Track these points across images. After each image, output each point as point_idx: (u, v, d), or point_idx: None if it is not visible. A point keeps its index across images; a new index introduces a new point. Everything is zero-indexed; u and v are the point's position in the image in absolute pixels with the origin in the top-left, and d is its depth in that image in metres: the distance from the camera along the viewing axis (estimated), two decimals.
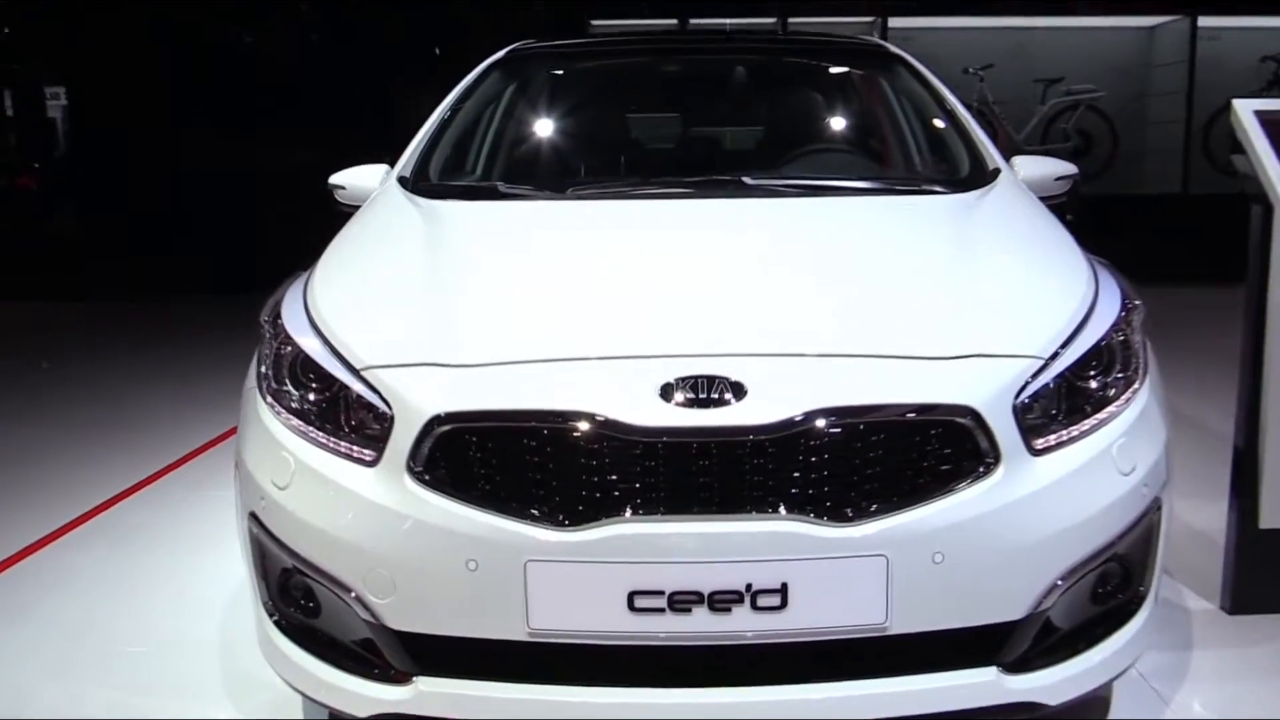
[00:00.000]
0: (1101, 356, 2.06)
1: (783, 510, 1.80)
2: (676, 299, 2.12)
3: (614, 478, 1.81)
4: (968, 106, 3.57)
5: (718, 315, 2.05)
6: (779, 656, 1.85)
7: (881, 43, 3.83)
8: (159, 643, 2.77)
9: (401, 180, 2.96)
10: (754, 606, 1.79)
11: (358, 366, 1.99)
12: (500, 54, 3.64)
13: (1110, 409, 2.03)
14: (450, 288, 2.22)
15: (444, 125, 3.26)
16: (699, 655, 1.85)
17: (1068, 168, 3.10)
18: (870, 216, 2.63)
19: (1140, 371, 2.12)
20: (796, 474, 1.81)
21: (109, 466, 4.27)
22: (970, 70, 9.99)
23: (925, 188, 2.89)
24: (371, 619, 1.92)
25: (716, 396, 1.83)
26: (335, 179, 3.14)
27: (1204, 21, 10.04)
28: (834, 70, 3.75)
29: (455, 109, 3.35)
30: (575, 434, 1.82)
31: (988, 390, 1.88)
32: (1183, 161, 10.21)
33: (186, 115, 9.86)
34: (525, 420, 1.84)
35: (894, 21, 9.94)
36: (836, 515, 1.80)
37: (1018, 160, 3.07)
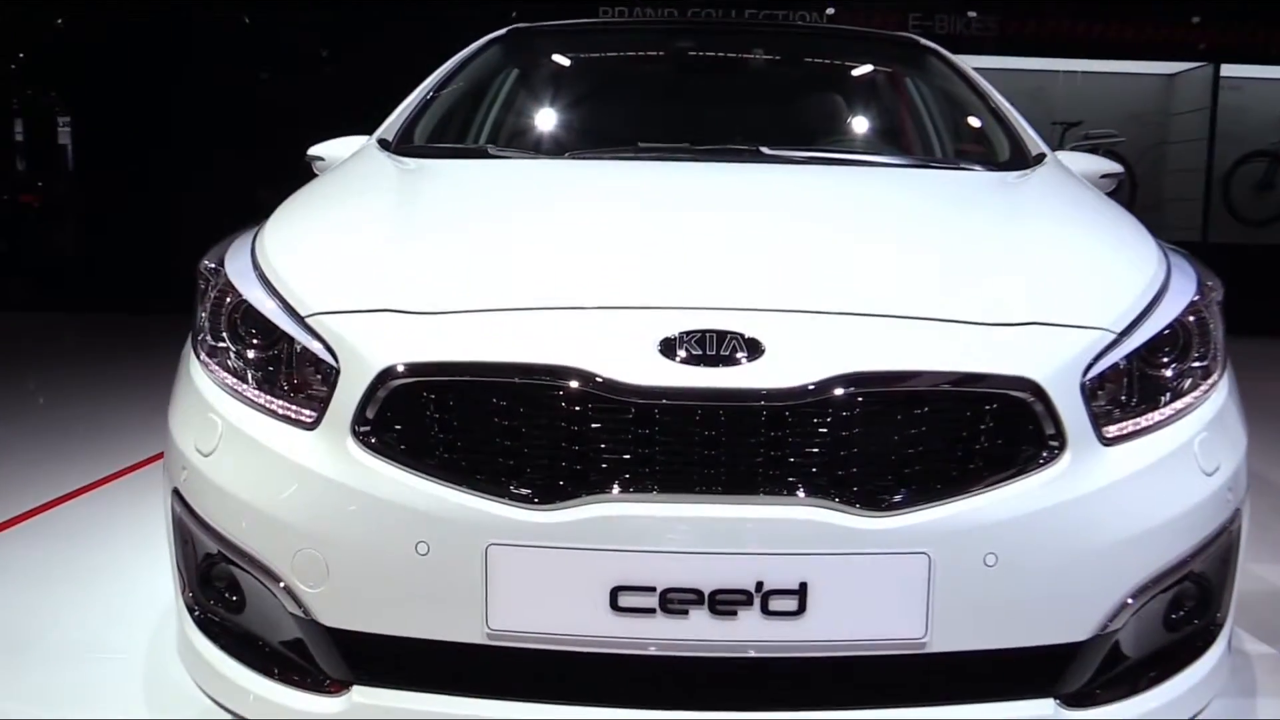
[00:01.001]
0: (1176, 339, 1.77)
1: (802, 493, 1.49)
2: (684, 248, 1.81)
3: (600, 447, 1.51)
4: None
5: (732, 266, 1.75)
6: (793, 674, 1.54)
7: (913, 36, 3.55)
8: (82, 646, 2.45)
9: (383, 143, 2.67)
10: (765, 611, 1.48)
11: (303, 313, 1.69)
12: (502, 30, 3.37)
13: (1188, 399, 1.73)
14: (420, 233, 1.91)
15: (434, 93, 2.98)
16: (695, 670, 1.53)
17: (1113, 166, 2.82)
18: (905, 183, 2.34)
19: (1219, 361, 1.82)
20: (821, 450, 1.50)
21: (69, 465, 3.97)
22: None
23: (963, 166, 2.59)
24: (301, 614, 1.60)
25: (727, 354, 1.53)
26: (314, 150, 2.86)
27: (1227, 70, 9.87)
28: (864, 63, 3.47)
29: (448, 79, 3.07)
30: (555, 393, 1.51)
31: (1052, 363, 1.58)
32: (1202, 210, 10.00)
33: (187, 141, 9.76)
34: (495, 375, 1.53)
35: None
36: (869, 502, 1.49)
37: (1059, 155, 2.78)
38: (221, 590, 1.74)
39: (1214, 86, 9.90)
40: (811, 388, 1.50)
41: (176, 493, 1.78)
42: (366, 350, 1.59)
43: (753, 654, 1.50)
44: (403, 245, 1.84)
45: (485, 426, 1.53)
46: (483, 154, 2.66)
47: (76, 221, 11.13)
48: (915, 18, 9.64)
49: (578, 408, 1.51)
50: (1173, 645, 1.72)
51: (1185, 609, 1.72)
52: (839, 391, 1.50)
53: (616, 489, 1.49)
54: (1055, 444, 1.55)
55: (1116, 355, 1.66)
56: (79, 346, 7.49)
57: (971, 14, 9.77)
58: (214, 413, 1.72)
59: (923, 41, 3.42)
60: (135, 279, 9.17)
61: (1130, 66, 10.25)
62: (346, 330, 1.63)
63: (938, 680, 1.55)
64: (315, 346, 1.65)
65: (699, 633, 1.48)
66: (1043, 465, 1.54)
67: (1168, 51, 10.00)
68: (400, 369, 1.55)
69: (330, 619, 1.58)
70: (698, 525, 1.48)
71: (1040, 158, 2.61)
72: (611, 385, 1.50)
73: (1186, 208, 10.11)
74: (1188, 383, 1.75)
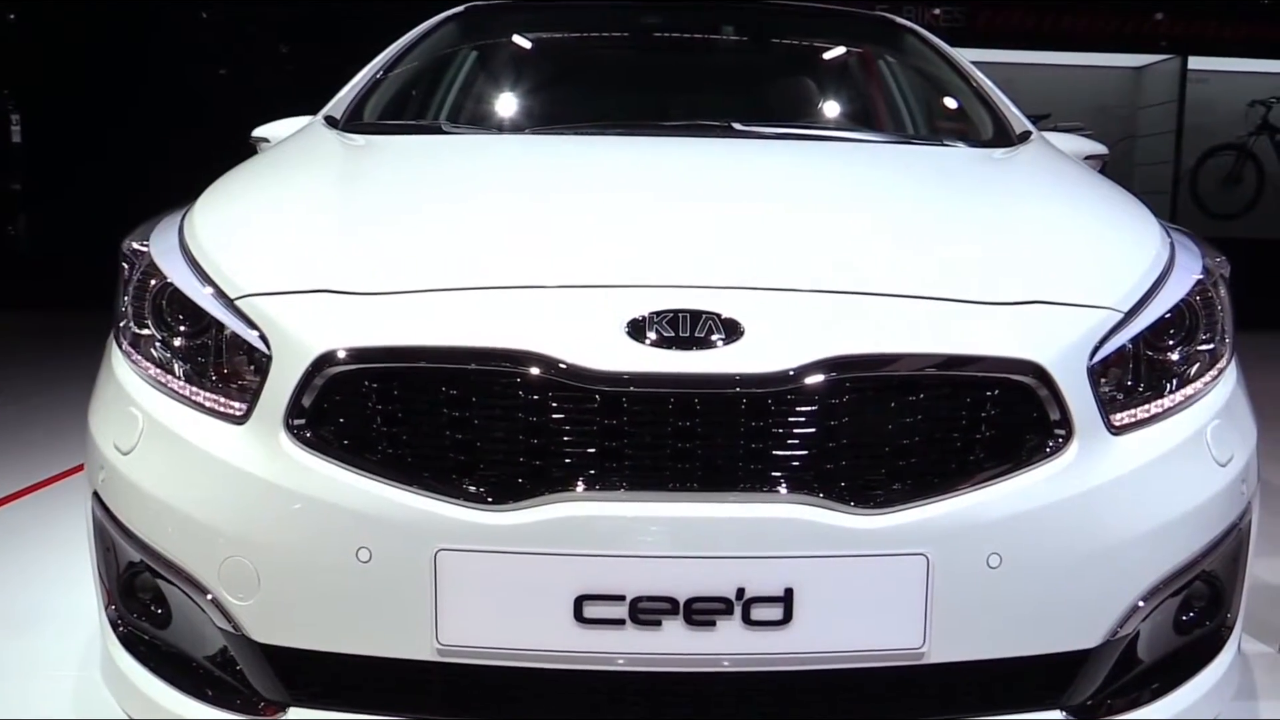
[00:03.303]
0: (1183, 321, 1.65)
1: (786, 490, 1.36)
2: (654, 224, 1.67)
3: (562, 440, 1.37)
4: None
5: (707, 242, 1.61)
6: (778, 690, 1.41)
7: (888, 15, 3.42)
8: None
9: (329, 120, 2.50)
10: (746, 620, 1.34)
11: (233, 295, 1.53)
12: (458, 8, 3.21)
13: (1197, 385, 1.62)
14: (364, 209, 1.76)
15: (386, 71, 2.81)
16: (670, 687, 1.40)
17: (1097, 146, 2.70)
18: (887, 159, 2.22)
19: (1228, 345, 1.70)
20: (807, 441, 1.37)
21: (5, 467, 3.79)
22: None
23: (945, 142, 2.47)
24: (230, 629, 1.44)
25: (702, 337, 1.39)
26: (259, 131, 2.68)
27: (1193, 63, 9.86)
28: (839, 42, 3.34)
29: (401, 56, 2.91)
30: (511, 380, 1.37)
31: (1056, 344, 1.45)
32: (1170, 203, 10.00)
33: (136, 137, 9.53)
34: (444, 360, 1.39)
35: None
36: (860, 498, 1.36)
37: (1039, 135, 2.66)
38: (146, 603, 1.59)
39: (1181, 79, 9.90)
40: (795, 373, 1.36)
41: (96, 495, 1.63)
42: (302, 334, 1.44)
43: (733, 668, 1.37)
44: (344, 222, 1.68)
45: (433, 418, 1.39)
46: (437, 130, 2.50)
47: (29, 218, 10.90)
48: (882, 10, 9.54)
49: (537, 396, 1.37)
50: (1182, 650, 1.60)
51: (1195, 610, 1.61)
52: (826, 376, 1.37)
53: (580, 486, 1.36)
54: (1061, 433, 1.43)
55: (1123, 337, 1.54)
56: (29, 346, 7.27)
57: (936, 11, 9.68)
58: (134, 406, 1.57)
59: (898, 20, 3.29)
60: (89, 278, 8.97)
61: (1098, 59, 10.22)
62: (280, 313, 1.48)
63: (936, 693, 1.43)
64: (245, 331, 1.49)
65: (673, 645, 1.35)
66: (1049, 456, 1.42)
67: (1135, 44, 9.99)
68: (339, 354, 1.41)
69: (262, 634, 1.44)
70: (671, 526, 1.34)
71: (1025, 135, 2.49)
72: (574, 371, 1.35)
73: (1154, 201, 10.06)
74: (1196, 367, 1.64)
